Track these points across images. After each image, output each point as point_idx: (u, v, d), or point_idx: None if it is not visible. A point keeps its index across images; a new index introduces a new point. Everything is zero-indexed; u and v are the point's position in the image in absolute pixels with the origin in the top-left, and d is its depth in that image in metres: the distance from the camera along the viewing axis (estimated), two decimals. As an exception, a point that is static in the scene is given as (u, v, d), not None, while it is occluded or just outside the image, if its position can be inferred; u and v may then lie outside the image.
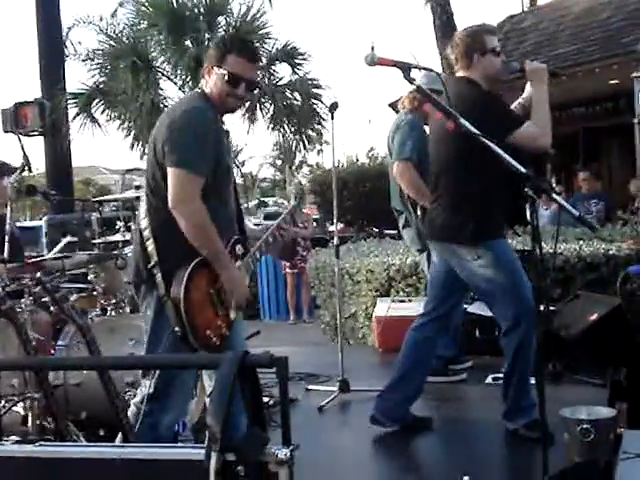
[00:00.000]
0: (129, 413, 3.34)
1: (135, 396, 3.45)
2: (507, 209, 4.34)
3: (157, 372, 3.25)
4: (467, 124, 3.33)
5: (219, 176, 3.28)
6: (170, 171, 3.17)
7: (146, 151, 3.45)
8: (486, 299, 4.43)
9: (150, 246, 3.23)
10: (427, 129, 5.57)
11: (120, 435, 3.28)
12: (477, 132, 3.35)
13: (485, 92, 4.19)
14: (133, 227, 4.14)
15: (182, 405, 3.45)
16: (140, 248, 3.30)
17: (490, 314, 5.69)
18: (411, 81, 3.34)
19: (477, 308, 6.07)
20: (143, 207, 3.34)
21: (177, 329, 3.12)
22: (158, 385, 3.25)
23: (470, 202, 4.22)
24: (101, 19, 14.18)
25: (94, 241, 6.04)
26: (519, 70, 4.22)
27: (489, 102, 4.14)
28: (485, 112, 3.98)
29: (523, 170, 3.08)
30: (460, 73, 4.29)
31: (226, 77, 3.31)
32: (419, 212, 5.39)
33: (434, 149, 4.50)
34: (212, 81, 3.36)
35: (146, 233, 3.26)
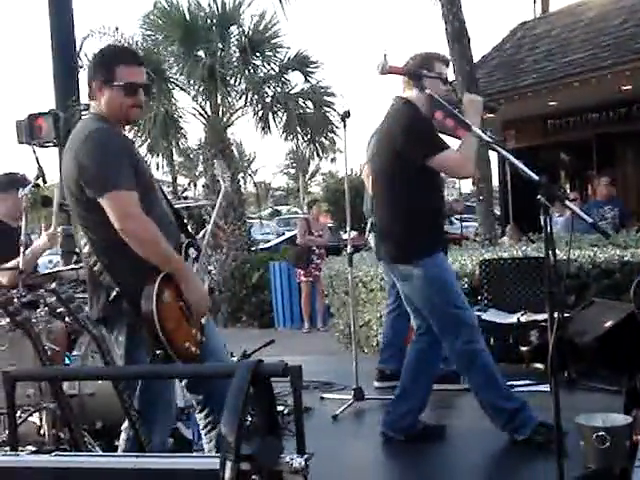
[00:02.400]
0: (120, 441, 3.26)
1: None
2: (435, 227, 4.36)
3: (137, 394, 3.17)
4: (480, 132, 3.34)
5: (144, 185, 3.17)
6: (102, 201, 3.03)
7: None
8: (427, 316, 4.39)
9: (106, 278, 3.13)
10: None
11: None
12: (490, 140, 3.36)
13: (416, 114, 4.17)
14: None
15: (167, 420, 3.36)
16: (96, 283, 3.19)
17: (504, 321, 5.66)
18: (422, 89, 3.37)
19: (491, 315, 6.05)
20: (86, 244, 3.21)
21: (158, 352, 2.99)
22: (142, 408, 3.16)
23: (399, 221, 4.26)
24: (117, 29, 14.29)
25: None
26: (458, 101, 4.23)
27: (416, 124, 4.15)
28: (409, 133, 4.09)
29: (536, 177, 3.08)
30: (405, 93, 4.29)
31: (124, 90, 3.21)
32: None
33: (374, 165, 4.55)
34: (107, 99, 3.22)
35: (97, 268, 3.15)
